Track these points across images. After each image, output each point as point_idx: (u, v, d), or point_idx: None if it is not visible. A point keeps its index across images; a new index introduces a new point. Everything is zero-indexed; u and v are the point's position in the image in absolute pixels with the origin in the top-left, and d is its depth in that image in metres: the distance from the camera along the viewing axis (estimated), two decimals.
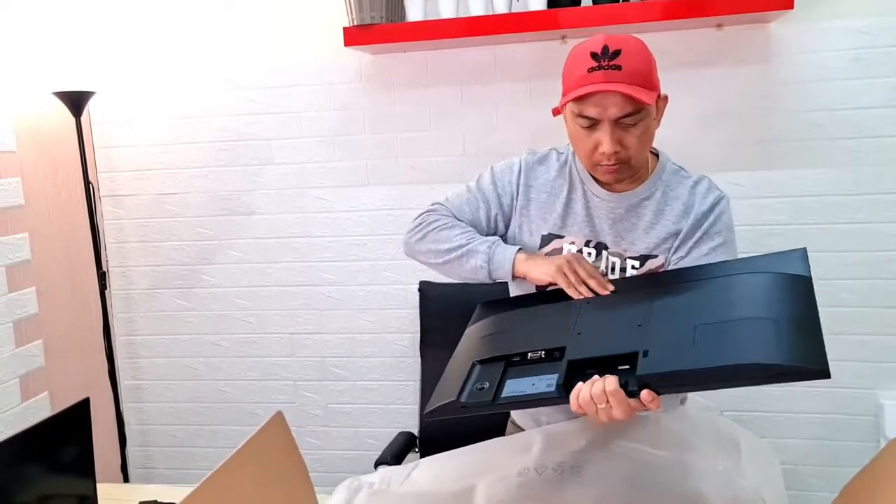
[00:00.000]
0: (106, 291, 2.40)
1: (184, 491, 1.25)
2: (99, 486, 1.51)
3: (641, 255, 1.41)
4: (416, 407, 2.41)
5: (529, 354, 1.21)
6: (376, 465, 2.02)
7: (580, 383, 1.12)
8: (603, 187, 1.44)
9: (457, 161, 2.35)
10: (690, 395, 1.58)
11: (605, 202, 1.44)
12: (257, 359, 2.55)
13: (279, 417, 1.26)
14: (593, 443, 1.39)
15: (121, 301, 2.60)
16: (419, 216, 1.55)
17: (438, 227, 1.51)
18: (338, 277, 2.45)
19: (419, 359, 2.29)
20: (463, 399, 1.17)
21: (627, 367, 1.11)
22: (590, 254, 1.45)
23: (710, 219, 1.40)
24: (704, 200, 1.41)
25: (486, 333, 1.35)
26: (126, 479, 2.53)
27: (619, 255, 1.43)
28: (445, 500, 1.38)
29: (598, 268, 1.45)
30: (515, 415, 1.65)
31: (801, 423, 2.24)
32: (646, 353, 1.10)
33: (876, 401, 2.19)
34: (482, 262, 1.44)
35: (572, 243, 1.47)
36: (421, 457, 2.24)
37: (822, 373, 0.97)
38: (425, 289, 2.33)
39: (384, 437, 2.49)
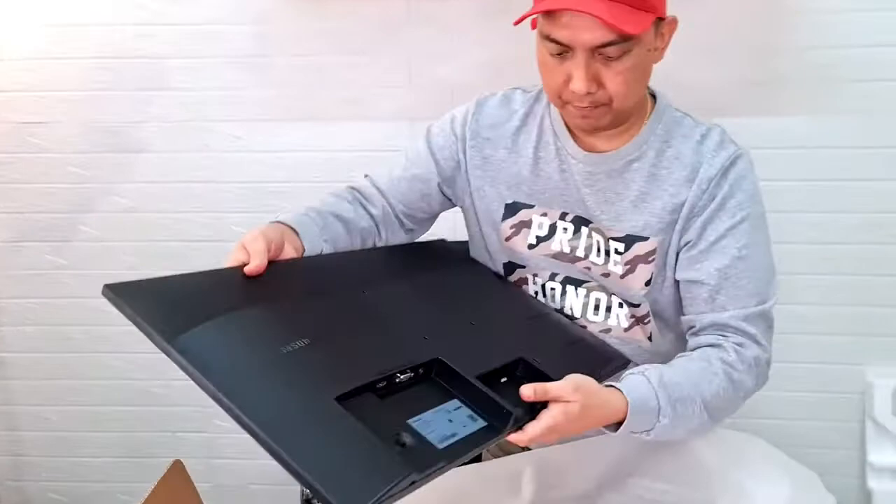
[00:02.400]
0: None
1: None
2: None
3: (627, 236, 1.11)
4: None
5: (398, 376, 0.88)
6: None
7: (530, 421, 0.88)
8: (579, 144, 1.10)
9: (400, 94, 1.95)
10: None
11: (582, 165, 1.10)
12: None
13: (178, 467, 0.92)
14: (603, 479, 1.08)
15: None
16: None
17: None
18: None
19: None
20: (412, 470, 0.73)
21: (506, 378, 0.97)
22: (565, 229, 1.14)
23: (724, 186, 1.07)
24: (713, 161, 1.08)
25: (288, 344, 0.85)
26: None
27: (602, 234, 1.11)
28: None
29: (575, 248, 1.13)
30: None
31: (782, 402, 2.01)
32: (536, 360, 1.00)
33: (863, 378, 1.98)
34: None
35: (544, 215, 1.14)
36: None
37: None
38: None
39: None
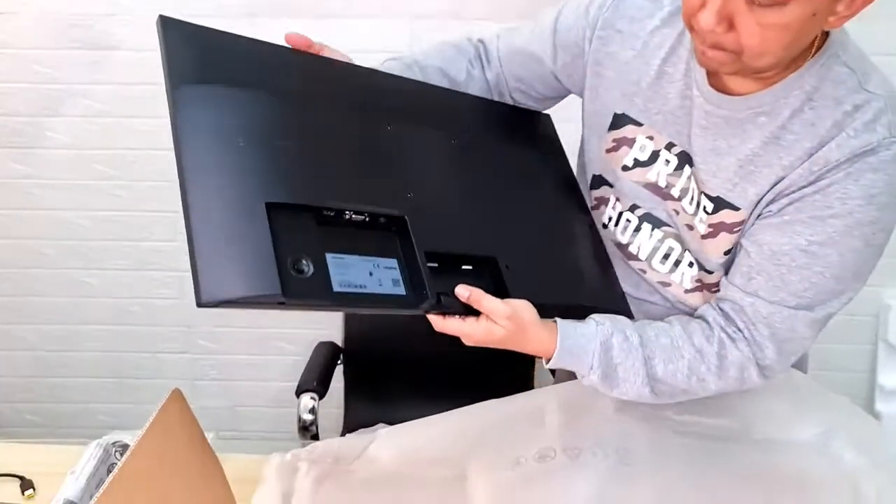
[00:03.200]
0: None
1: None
2: None
3: (718, 198, 0.91)
4: None
5: (348, 213, 0.83)
6: (298, 392, 1.56)
7: (454, 315, 0.85)
8: (709, 78, 0.90)
9: None
10: None
11: (703, 100, 0.91)
12: (130, 243, 1.97)
13: (177, 396, 0.84)
14: (628, 411, 0.98)
15: None
16: None
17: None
18: None
19: None
20: (284, 292, 0.72)
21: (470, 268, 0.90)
22: (668, 161, 0.97)
23: (840, 173, 0.83)
24: (847, 142, 0.82)
25: (273, 139, 0.84)
26: None
27: (697, 184, 0.94)
28: (425, 492, 0.94)
29: (672, 185, 0.97)
30: None
31: None
32: (507, 267, 0.92)
33: (880, 300, 1.91)
34: None
35: (650, 139, 0.98)
36: (347, 373, 1.80)
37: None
38: None
39: (296, 340, 2.03)
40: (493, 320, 0.85)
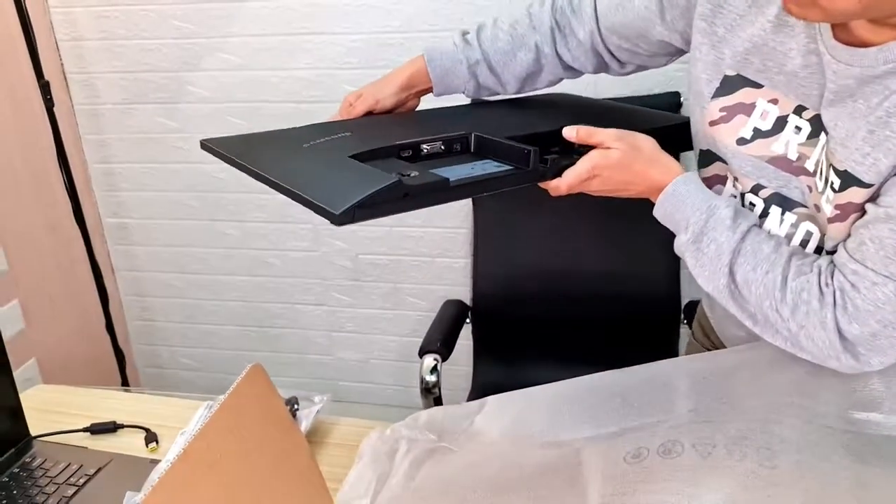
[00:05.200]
0: (54, 108, 1.80)
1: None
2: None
3: (845, 172, 0.75)
4: (468, 265, 1.85)
5: (424, 147, 0.87)
6: (421, 352, 1.51)
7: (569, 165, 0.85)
8: (835, 31, 0.75)
9: None
10: None
11: (829, 57, 0.75)
12: (266, 196, 1.98)
13: (258, 371, 0.78)
14: (779, 408, 0.83)
15: (88, 119, 2.01)
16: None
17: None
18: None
19: (470, 202, 1.73)
20: (405, 182, 0.74)
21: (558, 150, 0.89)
22: (798, 129, 0.81)
23: None
24: None
25: (320, 138, 0.90)
26: (114, 340, 2.09)
27: (830, 153, 0.77)
28: (532, 479, 0.85)
29: (806, 157, 0.81)
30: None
31: None
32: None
33: None
34: None
35: (773, 102, 0.82)
36: (475, 333, 1.73)
37: None
38: None
39: (427, 296, 1.98)
40: (607, 146, 0.84)
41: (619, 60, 1.01)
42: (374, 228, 1.95)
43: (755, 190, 0.86)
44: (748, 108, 0.83)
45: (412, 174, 0.76)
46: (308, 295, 2.08)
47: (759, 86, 0.82)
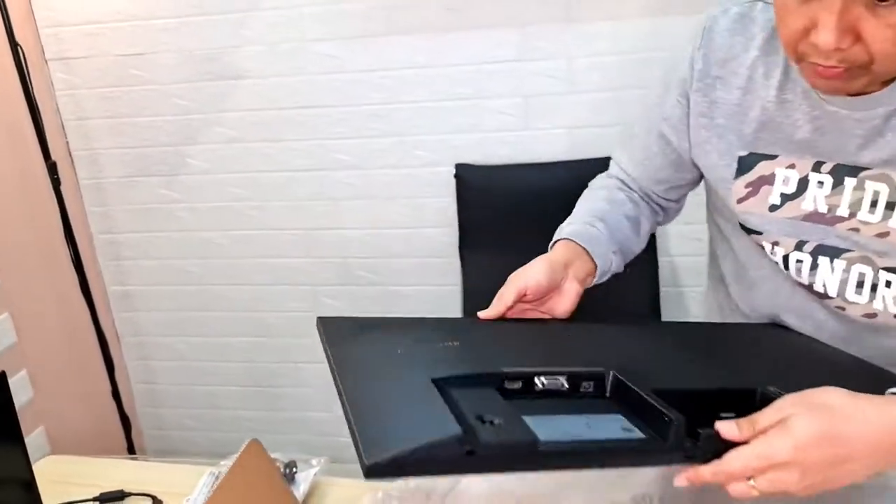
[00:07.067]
0: (61, 186, 1.90)
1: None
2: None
3: None
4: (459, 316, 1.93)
5: (540, 380, 0.66)
6: None
7: (733, 449, 0.63)
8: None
9: None
10: None
11: (849, 112, 0.82)
12: (266, 260, 2.07)
13: (256, 446, 0.84)
14: None
15: (93, 193, 2.10)
16: None
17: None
18: (355, 158, 1.90)
19: (459, 259, 1.81)
20: (468, 438, 0.55)
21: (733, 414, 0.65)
22: (821, 183, 0.87)
23: None
24: None
25: (422, 343, 0.75)
26: (120, 406, 2.15)
27: (888, 181, 0.83)
28: None
29: (836, 206, 0.87)
30: None
31: None
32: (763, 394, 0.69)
33: None
34: None
35: (791, 168, 0.88)
36: None
37: None
38: (463, 173, 1.82)
39: None
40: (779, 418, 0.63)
41: (666, 201, 1.08)
42: (367, 287, 2.02)
43: (799, 247, 0.90)
44: (769, 179, 0.89)
45: (494, 421, 0.57)
46: (307, 354, 2.15)
47: (773, 157, 0.89)
